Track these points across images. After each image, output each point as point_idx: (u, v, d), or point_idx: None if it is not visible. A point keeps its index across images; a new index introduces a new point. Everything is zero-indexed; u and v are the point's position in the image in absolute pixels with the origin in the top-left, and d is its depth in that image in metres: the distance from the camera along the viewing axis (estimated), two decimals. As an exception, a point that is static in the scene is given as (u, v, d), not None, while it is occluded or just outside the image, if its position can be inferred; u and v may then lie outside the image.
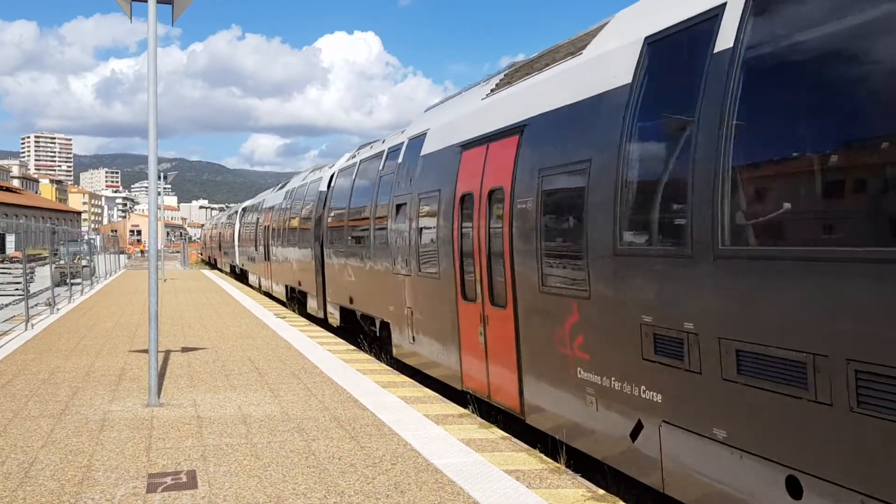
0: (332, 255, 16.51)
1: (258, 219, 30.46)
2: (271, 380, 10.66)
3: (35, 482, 6.21)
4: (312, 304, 19.26)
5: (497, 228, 8.13)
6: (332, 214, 16.77)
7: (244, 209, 38.86)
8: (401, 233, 11.35)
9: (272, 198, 28.16)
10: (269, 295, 27.24)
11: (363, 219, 13.83)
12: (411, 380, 10.84)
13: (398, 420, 8.24)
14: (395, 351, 12.07)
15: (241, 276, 39.34)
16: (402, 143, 12.24)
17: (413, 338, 11.01)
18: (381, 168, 13.11)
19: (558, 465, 6.71)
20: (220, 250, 52.40)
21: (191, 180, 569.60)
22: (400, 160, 12.02)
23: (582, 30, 8.21)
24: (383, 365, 12.19)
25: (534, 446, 7.46)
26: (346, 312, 15.72)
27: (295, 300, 22.38)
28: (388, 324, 12.47)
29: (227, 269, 46.48)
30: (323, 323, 18.29)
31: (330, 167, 19.26)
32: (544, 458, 6.91)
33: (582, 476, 6.54)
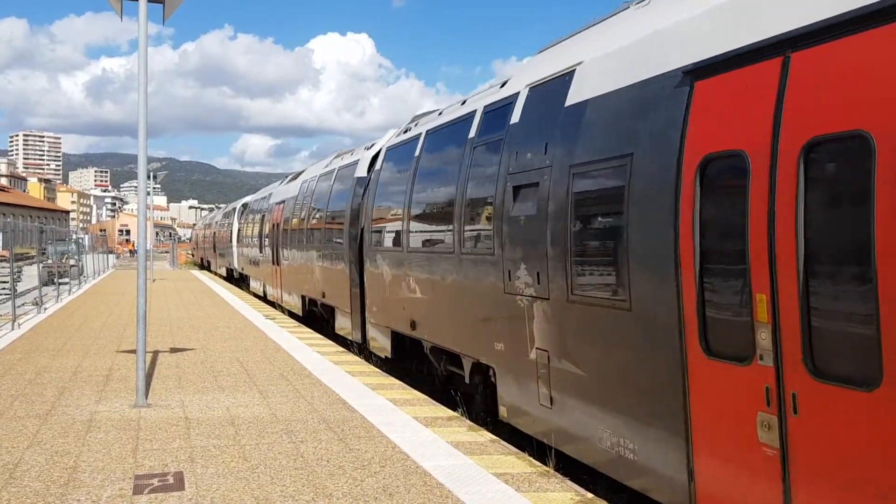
0: (380, 260, 12.25)
1: (264, 216, 26.50)
2: (260, 381, 10.62)
3: (20, 483, 6.15)
4: (343, 324, 15.14)
5: (832, 215, 4.31)
6: (379, 206, 12.63)
7: (245, 206, 34.64)
8: (526, 228, 7.44)
9: (282, 191, 23.95)
10: (275, 305, 23.63)
11: (440, 210, 9.96)
12: (400, 382, 10.82)
13: (387, 422, 8.22)
14: (503, 412, 8.15)
15: (240, 281, 35.38)
16: (514, 95, 8.30)
17: (552, 399, 7.03)
18: (472, 136, 9.17)
19: (547, 468, 6.70)
20: (214, 251, 48.14)
21: (181, 180, 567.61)
22: (514, 121, 8.09)
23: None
24: (372, 367, 12.17)
25: (522, 450, 7.45)
26: (401, 340, 11.69)
27: (316, 315, 18.22)
28: (489, 368, 8.51)
29: (223, 273, 42.39)
30: (328, 333, 18.21)
31: (367, 147, 15.23)
32: (533, 461, 6.91)
33: (571, 480, 6.54)
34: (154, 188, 64.57)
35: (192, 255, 72.23)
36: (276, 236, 23.00)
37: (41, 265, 23.51)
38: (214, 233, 48.81)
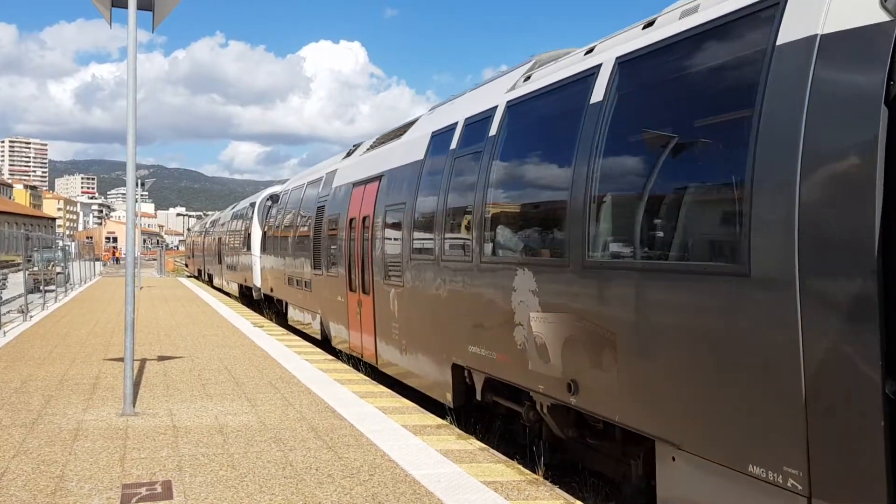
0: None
1: (321, 211, 15.76)
2: (248, 389, 10.58)
3: (6, 493, 6.10)
4: None
5: None
6: None
7: (273, 198, 24.46)
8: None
9: (368, 163, 13.37)
10: (359, 363, 13.39)
11: None
12: (389, 390, 10.81)
13: (376, 430, 8.21)
14: None
15: (250, 300, 27.75)
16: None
17: None
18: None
19: (536, 476, 6.71)
20: (220, 262, 37.20)
21: (168, 187, 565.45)
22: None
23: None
24: (361, 375, 12.14)
25: (512, 458, 7.46)
26: None
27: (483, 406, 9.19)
28: None
29: (232, 290, 32.54)
30: (308, 336, 18.18)
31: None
32: (522, 469, 6.92)
33: (560, 488, 6.56)
34: (142, 195, 63.12)
35: (187, 266, 64.07)
36: (365, 243, 12.36)
37: (27, 272, 23.33)
38: (219, 238, 37.95)
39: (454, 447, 7.59)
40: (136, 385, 10.39)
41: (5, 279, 26.24)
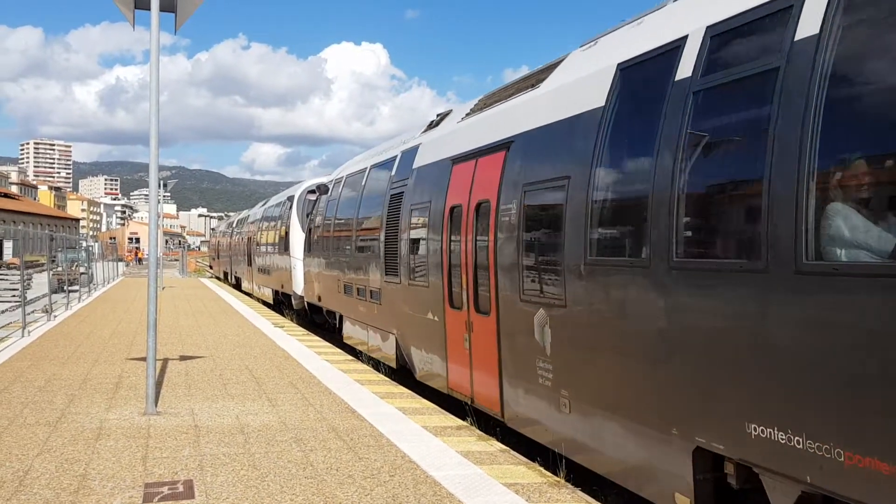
0: None
1: (400, 198, 11.96)
2: (269, 389, 10.61)
3: (30, 491, 6.15)
4: None
5: None
6: None
7: (322, 189, 18.68)
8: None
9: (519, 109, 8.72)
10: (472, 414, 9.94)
11: None
12: (409, 391, 10.80)
13: (396, 431, 8.20)
14: None
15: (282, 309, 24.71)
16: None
17: None
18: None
19: (558, 478, 6.66)
20: (250, 265, 33.24)
21: (190, 188, 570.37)
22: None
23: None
24: (381, 375, 12.15)
25: (533, 460, 7.41)
26: None
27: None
28: None
29: (266, 296, 28.44)
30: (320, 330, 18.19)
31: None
32: (543, 471, 6.87)
33: (582, 490, 6.50)
34: (164, 196, 63.22)
35: (210, 268, 61.67)
36: (479, 241, 8.92)
37: (51, 273, 23.59)
38: (249, 238, 34.01)
39: (475, 448, 7.56)
40: (158, 384, 10.46)
41: (30, 279, 26.56)
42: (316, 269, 18.40)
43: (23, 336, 16.46)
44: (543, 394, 7.32)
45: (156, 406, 9.14)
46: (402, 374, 12.12)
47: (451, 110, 11.90)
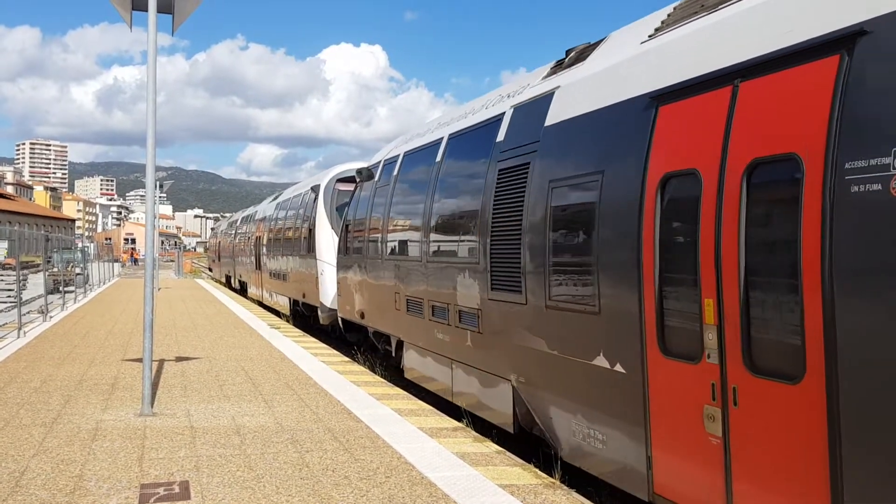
0: None
1: (528, 170, 7.83)
2: (265, 390, 10.62)
3: (26, 491, 6.16)
4: None
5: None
6: None
7: (361, 173, 14.64)
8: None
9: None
10: None
11: None
12: (405, 392, 10.81)
13: (392, 433, 8.21)
14: None
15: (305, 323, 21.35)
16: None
17: None
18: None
19: (553, 480, 6.69)
20: (257, 269, 29.69)
21: (186, 189, 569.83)
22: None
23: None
24: (377, 377, 12.16)
25: (528, 461, 7.44)
26: None
27: None
28: None
29: (282, 307, 24.43)
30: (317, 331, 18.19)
31: None
32: (539, 473, 6.89)
33: (577, 492, 6.53)
34: (160, 197, 62.54)
35: (210, 270, 59.06)
36: (751, 236, 4.92)
37: (47, 273, 23.56)
38: (257, 238, 30.16)
39: (470, 450, 7.58)
40: (155, 385, 10.47)
41: (25, 280, 26.52)
42: (357, 277, 14.21)
43: (18, 337, 16.43)
44: None
45: (152, 407, 9.15)
46: (394, 378, 12.11)
47: (607, 37, 7.76)
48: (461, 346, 9.42)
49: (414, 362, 11.44)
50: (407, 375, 11.81)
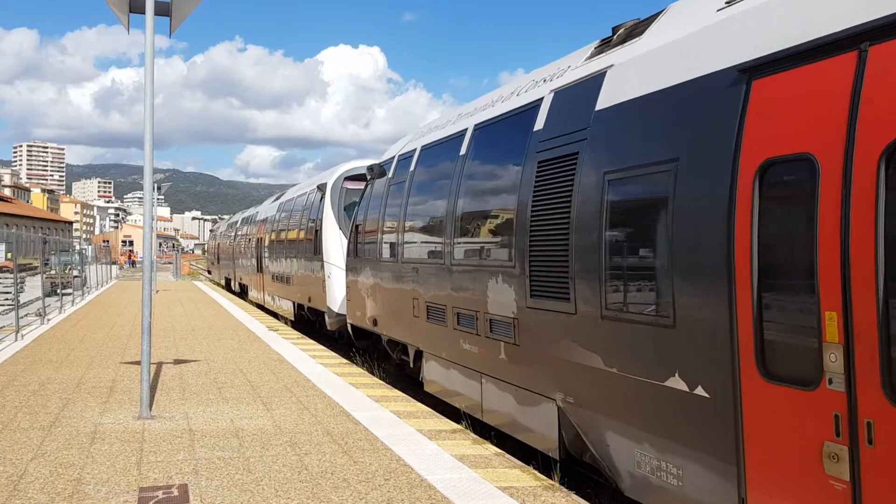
0: None
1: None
2: (264, 393, 10.60)
3: (24, 495, 6.14)
4: None
5: None
6: None
7: (373, 169, 13.58)
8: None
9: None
10: None
11: None
12: (404, 394, 10.80)
13: (391, 435, 8.20)
14: None
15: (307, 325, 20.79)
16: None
17: None
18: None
19: (552, 482, 6.68)
20: (258, 272, 28.72)
21: (184, 191, 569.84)
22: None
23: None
24: (376, 379, 12.15)
25: (527, 463, 7.43)
26: None
27: None
28: None
29: (285, 311, 23.72)
30: (315, 335, 18.17)
31: None
32: (538, 475, 6.88)
33: (577, 493, 6.52)
34: (158, 199, 62.27)
35: (209, 273, 57.44)
36: None
37: (44, 276, 23.51)
38: (258, 239, 29.02)
39: (469, 452, 7.57)
40: (153, 388, 10.45)
41: (23, 282, 26.46)
42: (369, 281, 13.19)
43: (16, 340, 16.41)
44: None
45: (150, 410, 9.13)
46: (392, 380, 12.10)
47: (666, 9, 6.78)
48: (493, 358, 8.40)
49: (435, 374, 10.40)
50: (427, 389, 10.78)
